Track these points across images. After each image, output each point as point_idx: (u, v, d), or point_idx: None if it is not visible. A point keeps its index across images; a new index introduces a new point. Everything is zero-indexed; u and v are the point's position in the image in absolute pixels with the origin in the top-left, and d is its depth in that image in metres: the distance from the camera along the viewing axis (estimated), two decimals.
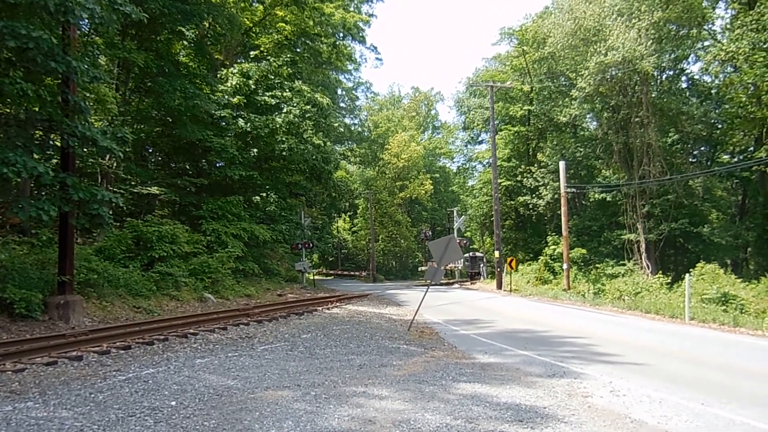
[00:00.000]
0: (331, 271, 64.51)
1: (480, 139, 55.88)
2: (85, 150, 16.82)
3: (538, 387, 8.15)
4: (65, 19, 11.89)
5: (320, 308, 20.12)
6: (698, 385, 8.62)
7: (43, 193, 15.11)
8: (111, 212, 23.07)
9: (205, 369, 8.79)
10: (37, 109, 14.57)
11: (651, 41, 29.89)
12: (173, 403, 6.69)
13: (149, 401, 6.76)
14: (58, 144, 15.07)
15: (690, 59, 36.49)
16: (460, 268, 40.66)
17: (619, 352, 11.40)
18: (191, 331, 12.59)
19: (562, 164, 30.37)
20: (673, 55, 34.53)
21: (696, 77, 37.18)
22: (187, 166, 29.43)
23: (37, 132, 15.65)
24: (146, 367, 8.86)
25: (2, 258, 14.93)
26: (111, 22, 13.67)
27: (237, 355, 10.29)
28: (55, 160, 17.43)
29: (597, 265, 33.51)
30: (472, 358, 10.76)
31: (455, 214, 46.50)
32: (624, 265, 32.06)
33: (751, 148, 35.11)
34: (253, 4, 33.20)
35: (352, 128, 55.30)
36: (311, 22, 32.72)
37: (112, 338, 10.97)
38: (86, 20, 12.25)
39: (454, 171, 72.61)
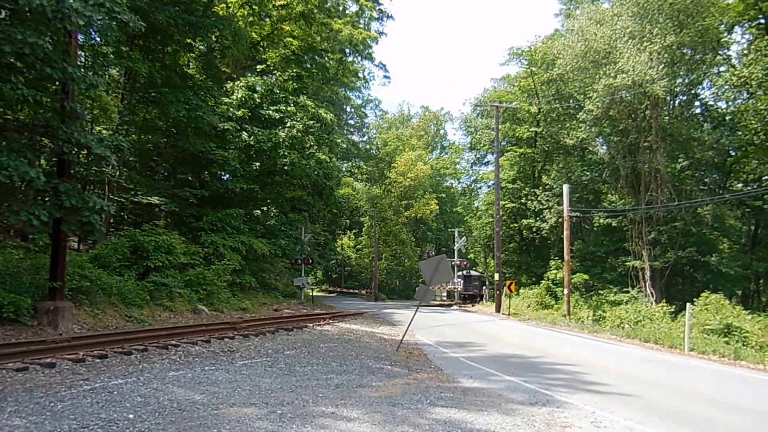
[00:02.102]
0: (334, 288, 64.15)
1: (486, 160, 55.70)
2: (80, 157, 16.80)
3: (516, 415, 7.90)
4: (62, 26, 11.91)
5: (311, 325, 19.87)
6: (686, 419, 8.33)
7: (41, 198, 15.07)
8: (106, 219, 23.16)
9: (175, 382, 8.58)
10: (34, 113, 14.65)
11: (663, 65, 29.46)
12: (131, 416, 6.49)
13: (107, 413, 6.57)
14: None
15: (705, 84, 36.08)
16: (460, 289, 39.93)
17: (609, 382, 11.10)
18: (173, 342, 12.39)
19: (565, 187, 30.09)
20: (686, 80, 34.13)
21: (710, 103, 36.62)
22: (190, 178, 29.43)
23: (43, 139, 15.68)
24: (116, 377, 8.66)
25: None
26: (110, 30, 13.73)
27: (213, 369, 10.08)
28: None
29: (600, 292, 33.00)
30: (456, 381, 10.50)
31: (456, 234, 45.98)
32: (627, 292, 31.52)
33: (766, 177, 34.57)
34: (263, 19, 33.39)
35: (360, 145, 55.33)
36: (318, 38, 32.88)
37: (92, 346, 10.81)
38: (83, 27, 12.23)
39: (460, 191, 72.35)
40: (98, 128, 26.31)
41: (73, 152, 14.29)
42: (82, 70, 14.08)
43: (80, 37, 20.91)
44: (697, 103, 36.70)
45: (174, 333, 13.57)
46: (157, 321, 17.53)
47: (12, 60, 12.77)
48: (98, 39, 20.75)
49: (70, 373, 8.87)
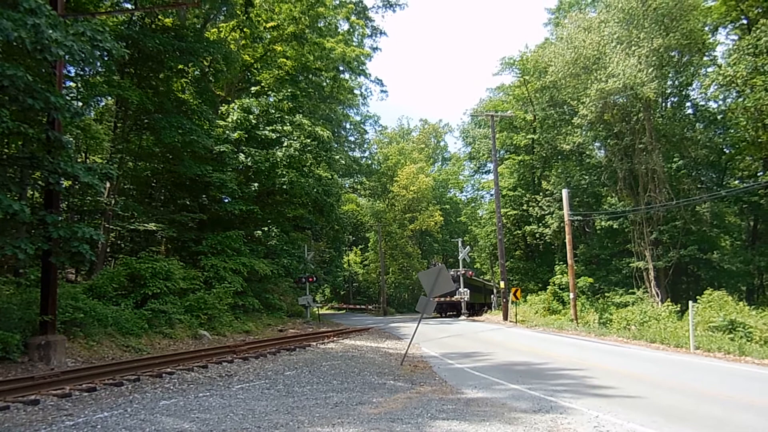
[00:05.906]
0: (343, 305, 63.84)
1: (486, 169, 55.74)
2: (68, 187, 16.62)
3: (519, 424, 7.69)
4: (42, 57, 11.82)
5: (315, 343, 19.59)
6: (690, 419, 8.09)
7: (31, 231, 14.91)
8: (102, 249, 23.01)
9: (165, 411, 8.34)
10: (22, 145, 14.55)
11: (652, 68, 29.63)
12: None
13: None
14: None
15: (694, 85, 36.25)
16: (466, 299, 39.42)
17: (614, 384, 10.86)
18: (168, 370, 12.13)
19: (565, 192, 29.96)
20: (676, 82, 34.35)
21: (701, 103, 36.80)
22: (188, 202, 29.32)
23: (36, 172, 15.55)
24: (103, 410, 8.40)
25: None
26: (94, 58, 13.68)
27: (208, 395, 9.84)
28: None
29: (606, 294, 32.71)
30: (460, 393, 10.26)
31: (460, 244, 45.70)
32: (633, 293, 31.26)
33: (760, 173, 34.45)
34: (256, 41, 33.42)
35: (362, 161, 55.26)
36: (311, 57, 32.92)
37: (82, 379, 10.56)
38: (64, 57, 12.18)
39: (464, 201, 72.23)
40: (92, 158, 26.26)
41: (60, 182, 14.15)
42: (68, 99, 13.99)
43: (71, 68, 21.09)
44: (688, 104, 36.98)
45: (170, 360, 13.29)
46: (155, 349, 17.23)
47: None
48: (86, 69, 20.84)
49: (54, 410, 8.60)
